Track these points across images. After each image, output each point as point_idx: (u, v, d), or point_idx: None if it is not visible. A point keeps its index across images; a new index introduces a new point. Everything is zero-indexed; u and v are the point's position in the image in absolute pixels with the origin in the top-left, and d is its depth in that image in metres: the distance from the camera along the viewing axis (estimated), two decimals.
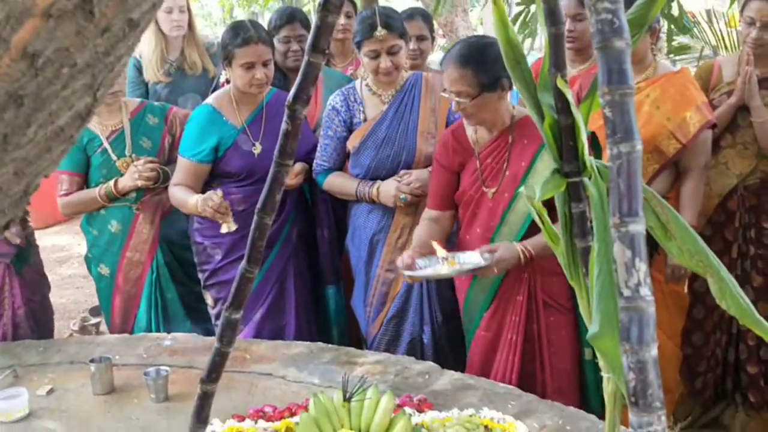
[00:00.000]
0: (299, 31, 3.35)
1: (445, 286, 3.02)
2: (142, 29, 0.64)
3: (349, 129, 2.99)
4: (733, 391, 3.27)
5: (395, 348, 2.95)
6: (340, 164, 3.05)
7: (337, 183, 3.00)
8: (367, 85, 2.99)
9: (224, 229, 2.86)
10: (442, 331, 2.98)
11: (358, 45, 2.88)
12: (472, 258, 2.43)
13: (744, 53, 2.97)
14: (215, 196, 2.83)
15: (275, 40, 3.34)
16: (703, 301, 3.13)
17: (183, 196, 2.94)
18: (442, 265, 2.36)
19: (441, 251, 2.38)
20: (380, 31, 2.79)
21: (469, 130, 2.64)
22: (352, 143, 2.97)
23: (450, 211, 2.71)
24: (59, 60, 0.58)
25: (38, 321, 3.24)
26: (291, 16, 3.43)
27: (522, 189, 2.38)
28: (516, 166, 2.56)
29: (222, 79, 3.10)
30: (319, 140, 3.06)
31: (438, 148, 2.74)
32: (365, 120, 2.96)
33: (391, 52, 2.84)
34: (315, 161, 3.05)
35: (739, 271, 3.11)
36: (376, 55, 2.83)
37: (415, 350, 2.92)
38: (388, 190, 2.86)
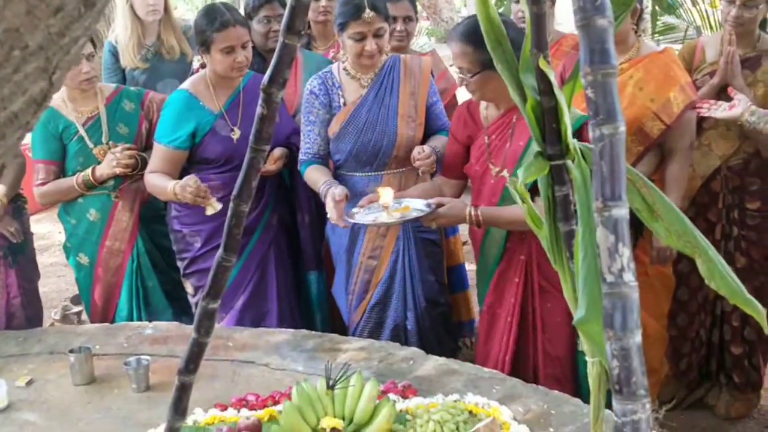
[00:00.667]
0: (279, 10, 3.29)
1: (428, 272, 3.01)
2: (100, 9, 0.61)
3: (329, 112, 2.92)
4: (717, 371, 3.28)
5: (378, 335, 2.92)
6: (326, 149, 2.94)
7: (312, 177, 2.87)
8: (345, 69, 2.92)
9: (209, 211, 2.82)
10: (426, 317, 2.96)
11: (342, 27, 2.80)
12: (418, 204, 2.55)
13: (726, 33, 2.95)
14: (192, 181, 2.77)
15: (254, 22, 3.30)
16: (687, 282, 3.13)
17: (160, 183, 2.89)
18: (382, 212, 2.48)
19: (383, 198, 2.49)
20: (368, 13, 2.72)
21: (482, 105, 2.67)
22: (332, 129, 2.90)
23: (455, 180, 2.79)
24: (9, 41, 0.55)
25: (33, 309, 3.22)
26: None
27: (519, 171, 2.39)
28: (516, 145, 2.57)
29: (195, 65, 3.04)
30: (301, 128, 2.96)
31: (453, 119, 2.79)
32: (344, 104, 2.89)
33: (377, 35, 2.78)
34: (300, 150, 2.94)
35: (723, 252, 3.11)
36: (362, 38, 2.76)
37: (399, 337, 2.90)
38: (329, 207, 2.68)
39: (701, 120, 3.01)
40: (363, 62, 2.84)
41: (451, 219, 2.59)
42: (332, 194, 2.64)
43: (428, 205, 2.52)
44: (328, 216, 2.69)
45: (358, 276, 2.95)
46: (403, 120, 2.88)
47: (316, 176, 2.86)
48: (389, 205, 2.50)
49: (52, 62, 0.59)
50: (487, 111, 2.65)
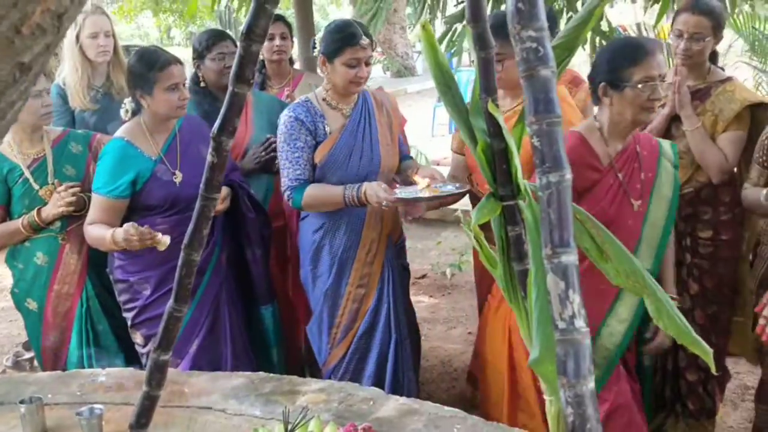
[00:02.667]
0: (232, 48, 3.34)
1: (408, 298, 3.16)
2: (37, 72, 0.59)
3: (315, 140, 2.91)
4: (673, 399, 3.30)
5: (364, 364, 2.98)
6: (313, 175, 2.92)
7: (320, 194, 2.86)
8: (324, 99, 2.96)
9: (162, 247, 2.77)
10: (408, 343, 3.02)
11: (335, 53, 2.82)
12: (449, 188, 2.76)
13: (674, 66, 3.03)
14: (132, 229, 2.72)
15: (207, 60, 3.32)
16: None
17: (99, 234, 2.82)
18: (423, 190, 2.69)
19: (422, 182, 2.72)
20: (365, 40, 2.82)
21: (594, 144, 2.56)
22: (318, 157, 2.90)
23: None
24: None
25: None
26: (221, 34, 3.44)
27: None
28: (646, 176, 2.58)
29: (124, 115, 2.97)
30: (284, 155, 2.91)
31: None
32: (330, 133, 2.92)
33: (367, 62, 2.87)
34: (286, 178, 2.90)
35: (676, 279, 3.15)
36: (356, 64, 2.82)
37: (383, 365, 2.95)
38: (373, 190, 2.75)
39: None
40: (352, 89, 2.90)
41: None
42: (378, 187, 2.74)
43: (457, 187, 2.75)
44: (377, 200, 2.73)
45: (346, 306, 2.97)
46: (384, 147, 2.96)
47: (325, 191, 2.87)
48: (431, 184, 2.70)
49: None
50: (608, 148, 2.55)
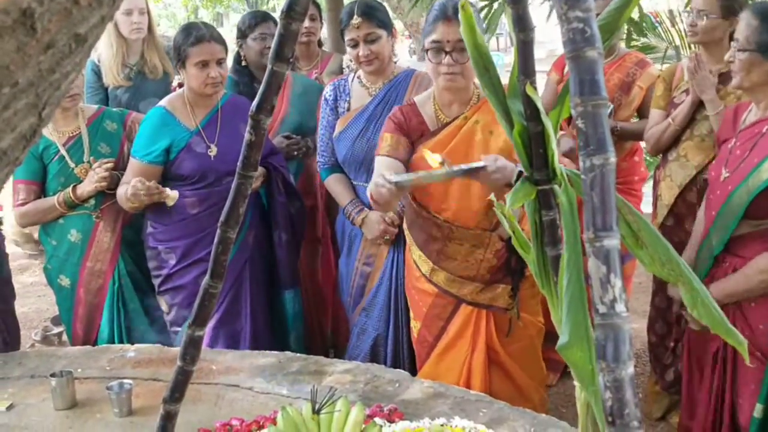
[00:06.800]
0: (274, 29, 3.36)
1: None
2: (91, 44, 0.60)
3: (337, 118, 3.03)
4: None
5: (362, 342, 2.99)
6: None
7: (334, 191, 3.06)
8: (358, 77, 3.02)
9: (170, 202, 2.88)
10: (406, 329, 2.97)
11: (341, 36, 2.95)
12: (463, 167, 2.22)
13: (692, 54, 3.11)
14: (139, 184, 2.82)
15: (249, 39, 3.36)
16: (664, 290, 3.16)
17: (122, 191, 2.93)
18: (438, 169, 2.18)
19: (437, 158, 2.21)
20: (356, 19, 2.82)
21: (749, 108, 2.53)
22: (335, 133, 3.01)
23: None
24: None
25: (10, 331, 3.16)
26: (265, 15, 3.51)
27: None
28: (750, 159, 2.40)
29: (174, 83, 3.07)
30: (319, 130, 3.12)
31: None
32: (349, 110, 2.99)
33: (369, 41, 2.85)
34: (318, 155, 3.11)
35: None
36: (355, 44, 2.87)
37: (379, 345, 2.95)
38: (372, 224, 2.87)
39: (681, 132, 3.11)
40: (363, 69, 2.94)
41: (506, 173, 2.21)
42: (373, 219, 2.84)
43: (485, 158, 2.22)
44: (369, 236, 2.87)
45: (355, 281, 3.02)
46: None
47: (339, 190, 3.02)
48: (445, 162, 2.18)
49: (42, 98, 0.58)
50: (747, 115, 2.51)
